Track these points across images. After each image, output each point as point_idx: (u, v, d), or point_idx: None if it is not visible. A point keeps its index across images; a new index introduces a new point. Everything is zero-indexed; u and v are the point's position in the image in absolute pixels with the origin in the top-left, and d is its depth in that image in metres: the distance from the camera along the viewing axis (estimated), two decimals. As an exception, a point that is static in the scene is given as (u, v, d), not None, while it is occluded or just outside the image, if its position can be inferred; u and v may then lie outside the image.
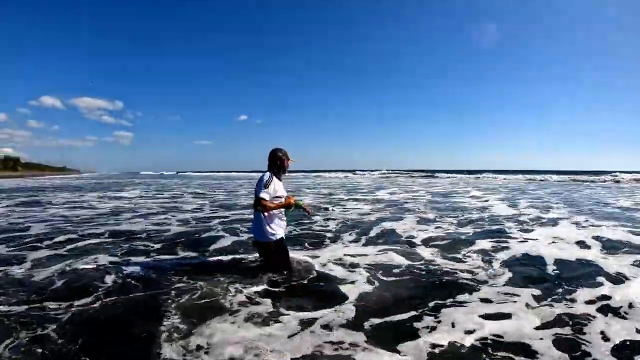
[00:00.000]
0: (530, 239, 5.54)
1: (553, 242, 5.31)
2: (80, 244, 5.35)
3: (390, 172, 60.58)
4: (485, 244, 5.22)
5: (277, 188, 3.57)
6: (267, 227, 3.56)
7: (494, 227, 6.67)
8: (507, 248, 4.97)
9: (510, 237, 5.68)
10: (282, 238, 3.69)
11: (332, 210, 9.55)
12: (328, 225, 6.90)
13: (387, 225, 6.96)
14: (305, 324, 2.57)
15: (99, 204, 11.62)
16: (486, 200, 12.33)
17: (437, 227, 6.69)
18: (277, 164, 3.65)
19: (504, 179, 35.71)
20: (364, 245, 5.25)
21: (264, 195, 3.41)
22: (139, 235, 6.03)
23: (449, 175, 46.46)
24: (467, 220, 7.56)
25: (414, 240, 5.55)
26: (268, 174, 3.58)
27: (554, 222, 7.24)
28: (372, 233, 6.14)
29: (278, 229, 3.63)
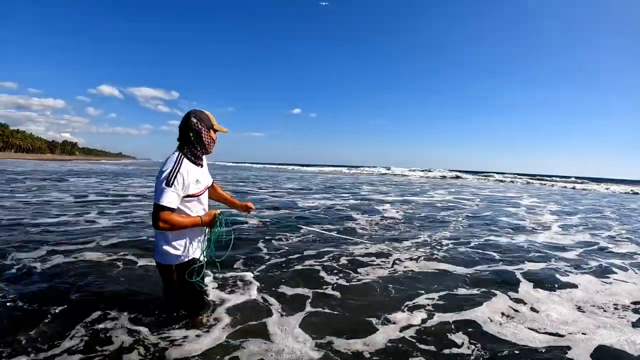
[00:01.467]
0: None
1: None
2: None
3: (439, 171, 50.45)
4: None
5: (191, 179, 2.07)
6: (167, 245, 2.10)
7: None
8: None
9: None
10: (193, 260, 2.19)
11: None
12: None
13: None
14: None
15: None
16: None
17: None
18: (191, 137, 2.11)
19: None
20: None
21: (165, 202, 1.94)
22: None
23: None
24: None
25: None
26: (174, 157, 2.06)
27: None
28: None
29: (189, 244, 2.16)
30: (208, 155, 2.27)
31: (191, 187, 2.06)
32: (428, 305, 2.74)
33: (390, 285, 3.11)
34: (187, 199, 2.07)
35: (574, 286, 3.34)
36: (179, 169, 2.00)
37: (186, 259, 2.13)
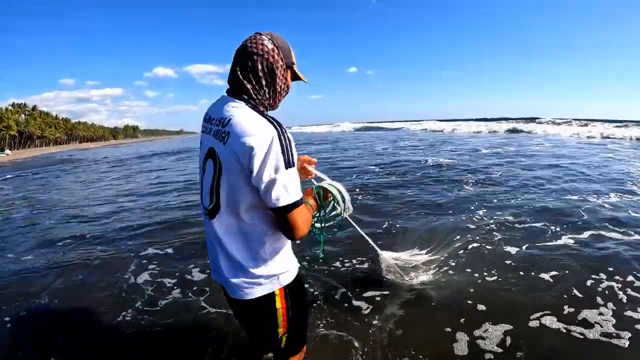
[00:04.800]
0: None
1: None
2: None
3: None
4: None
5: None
6: (263, 262, 1.17)
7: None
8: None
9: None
10: (299, 277, 1.32)
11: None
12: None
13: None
14: None
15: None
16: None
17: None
18: (259, 71, 1.11)
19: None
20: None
21: (299, 191, 1.09)
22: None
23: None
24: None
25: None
26: (255, 114, 1.07)
27: None
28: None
29: (290, 252, 1.27)
30: None
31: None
32: None
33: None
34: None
35: None
36: (284, 135, 1.06)
37: (293, 276, 1.26)
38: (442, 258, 2.97)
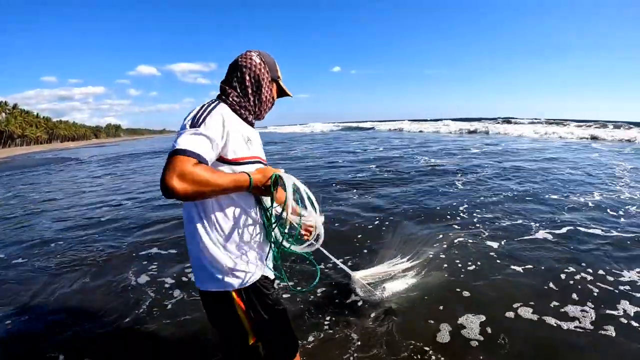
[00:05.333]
0: None
1: None
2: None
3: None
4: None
5: (237, 131, 1.18)
6: (220, 254, 1.17)
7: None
8: None
9: None
10: (265, 279, 1.29)
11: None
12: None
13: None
14: None
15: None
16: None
17: None
18: (246, 83, 1.27)
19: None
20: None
21: (185, 144, 1.03)
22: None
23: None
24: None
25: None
26: (215, 103, 1.19)
27: None
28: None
29: (250, 253, 1.23)
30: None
31: (236, 143, 1.17)
32: None
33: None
34: (228, 165, 1.16)
35: None
36: (213, 108, 1.14)
37: (250, 279, 1.21)
38: (420, 261, 2.99)
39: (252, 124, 1.31)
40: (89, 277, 3.22)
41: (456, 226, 3.99)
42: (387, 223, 4.20)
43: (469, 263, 3.05)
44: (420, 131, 26.48)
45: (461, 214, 4.41)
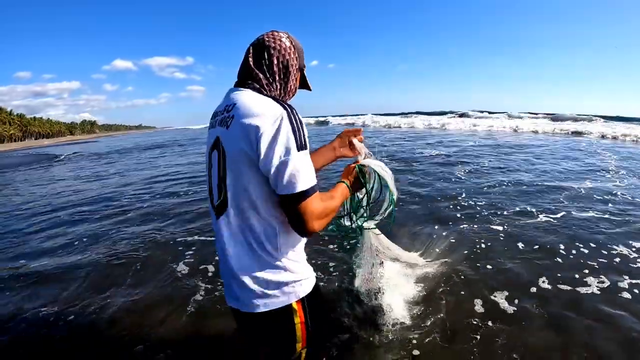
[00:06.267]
0: None
1: None
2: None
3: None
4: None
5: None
6: (277, 270, 1.03)
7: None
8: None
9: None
10: (317, 285, 1.15)
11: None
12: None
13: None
14: None
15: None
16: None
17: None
18: (274, 66, 1.08)
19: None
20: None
21: (313, 178, 0.96)
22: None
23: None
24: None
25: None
26: (264, 98, 1.01)
27: None
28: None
29: (302, 259, 1.11)
30: None
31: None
32: None
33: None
34: None
35: None
36: (297, 114, 0.98)
37: (309, 286, 1.10)
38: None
39: None
40: (111, 274, 3.28)
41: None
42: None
43: (482, 245, 3.35)
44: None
45: (456, 203, 4.73)
